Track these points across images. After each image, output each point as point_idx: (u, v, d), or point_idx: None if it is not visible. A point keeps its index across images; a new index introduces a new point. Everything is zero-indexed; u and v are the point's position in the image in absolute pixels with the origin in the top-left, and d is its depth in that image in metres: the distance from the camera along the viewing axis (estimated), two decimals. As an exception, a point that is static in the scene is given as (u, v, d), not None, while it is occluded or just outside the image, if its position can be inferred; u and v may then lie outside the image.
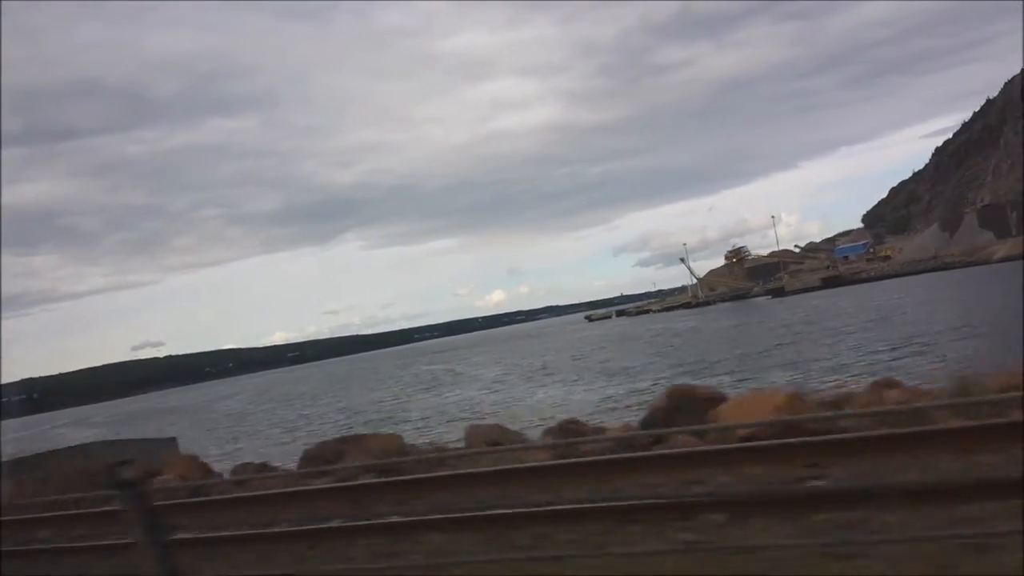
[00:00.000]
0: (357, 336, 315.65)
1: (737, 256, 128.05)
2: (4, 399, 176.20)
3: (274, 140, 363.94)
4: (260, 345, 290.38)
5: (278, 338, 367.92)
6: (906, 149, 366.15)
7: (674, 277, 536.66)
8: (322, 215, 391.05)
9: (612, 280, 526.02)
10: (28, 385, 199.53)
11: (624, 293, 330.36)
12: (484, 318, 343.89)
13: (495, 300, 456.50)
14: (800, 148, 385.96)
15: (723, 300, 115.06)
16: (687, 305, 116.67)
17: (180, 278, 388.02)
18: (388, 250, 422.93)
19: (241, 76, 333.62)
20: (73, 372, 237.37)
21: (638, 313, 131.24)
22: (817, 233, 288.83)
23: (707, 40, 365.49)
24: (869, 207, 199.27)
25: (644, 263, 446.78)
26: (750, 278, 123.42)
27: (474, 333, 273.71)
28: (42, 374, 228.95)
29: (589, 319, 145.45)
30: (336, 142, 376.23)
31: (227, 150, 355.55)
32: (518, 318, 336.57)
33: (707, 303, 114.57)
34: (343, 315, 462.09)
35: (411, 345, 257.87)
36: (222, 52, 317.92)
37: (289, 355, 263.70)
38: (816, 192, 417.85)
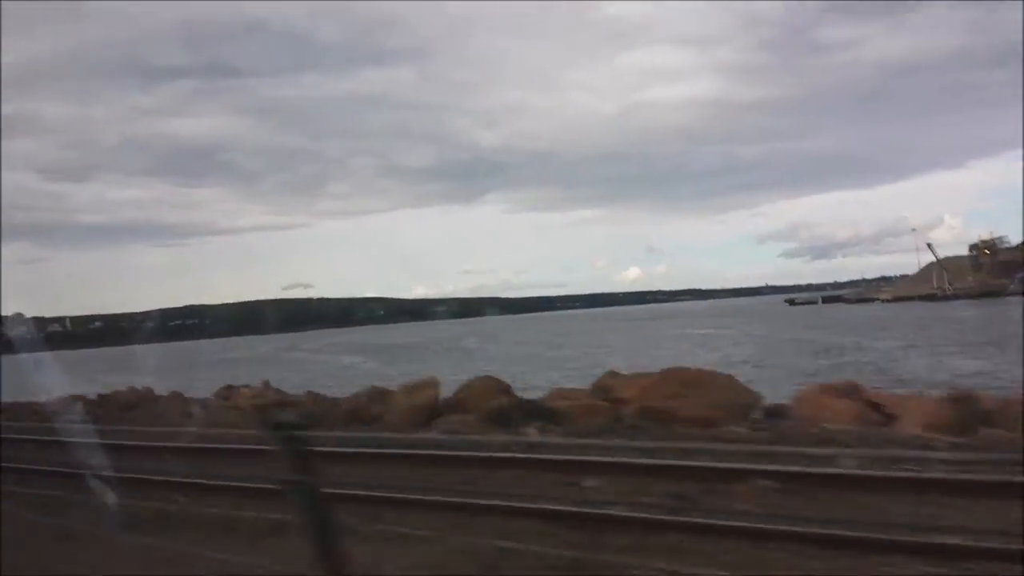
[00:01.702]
0: (496, 298, 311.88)
1: (991, 248, 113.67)
2: (177, 323, 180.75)
3: (427, 94, 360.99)
4: (403, 297, 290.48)
5: (418, 292, 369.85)
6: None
7: (825, 271, 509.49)
8: (468, 174, 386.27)
9: (754, 268, 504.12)
10: (189, 312, 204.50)
11: (769, 284, 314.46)
12: (625, 294, 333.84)
13: (631, 276, 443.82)
14: (969, 146, 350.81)
15: (969, 296, 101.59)
16: (930, 297, 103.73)
17: (332, 224, 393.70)
18: (527, 215, 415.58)
19: (399, 27, 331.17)
20: (231, 304, 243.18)
21: (859, 301, 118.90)
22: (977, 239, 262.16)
23: (878, 20, 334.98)
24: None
25: (790, 254, 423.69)
26: (997, 275, 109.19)
27: (615, 308, 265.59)
28: (207, 302, 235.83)
29: (792, 303, 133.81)
30: (485, 101, 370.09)
31: (382, 100, 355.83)
32: (660, 297, 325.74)
33: (954, 297, 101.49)
34: (479, 276, 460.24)
35: (560, 312, 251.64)
36: (382, 1, 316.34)
37: (435, 309, 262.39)
38: (982, 196, 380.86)
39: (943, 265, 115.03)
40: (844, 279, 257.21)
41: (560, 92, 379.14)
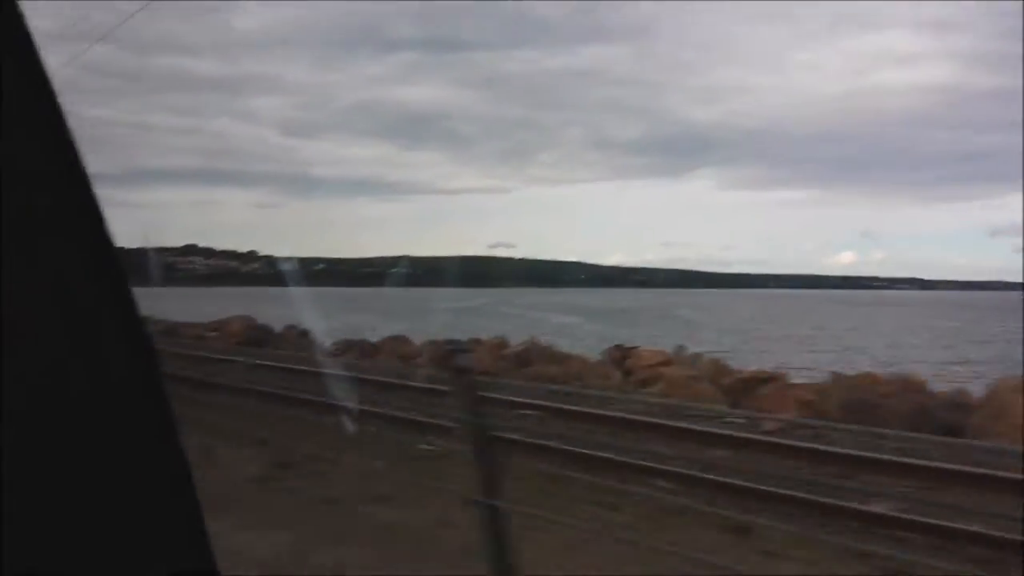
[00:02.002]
0: (695, 272, 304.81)
1: None
2: (393, 270, 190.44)
3: (643, 71, 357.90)
4: (600, 263, 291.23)
5: (614, 259, 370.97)
6: None
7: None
8: (678, 150, 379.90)
9: (983, 262, 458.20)
10: (409, 262, 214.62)
11: (1001, 279, 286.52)
12: (837, 278, 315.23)
13: (844, 261, 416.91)
14: None
15: None
16: None
17: (539, 190, 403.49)
18: (737, 193, 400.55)
19: (620, 6, 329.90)
20: (441, 257, 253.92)
21: None
22: None
23: None
24: None
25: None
26: None
27: (824, 291, 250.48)
28: (419, 254, 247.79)
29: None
30: (702, 79, 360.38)
31: (598, 76, 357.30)
32: (876, 284, 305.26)
33: None
34: (680, 249, 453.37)
35: (764, 290, 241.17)
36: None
37: (633, 278, 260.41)
38: None
39: None
40: None
41: (783, 72, 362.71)
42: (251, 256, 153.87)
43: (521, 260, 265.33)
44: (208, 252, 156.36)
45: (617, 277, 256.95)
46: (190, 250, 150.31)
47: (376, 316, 51.13)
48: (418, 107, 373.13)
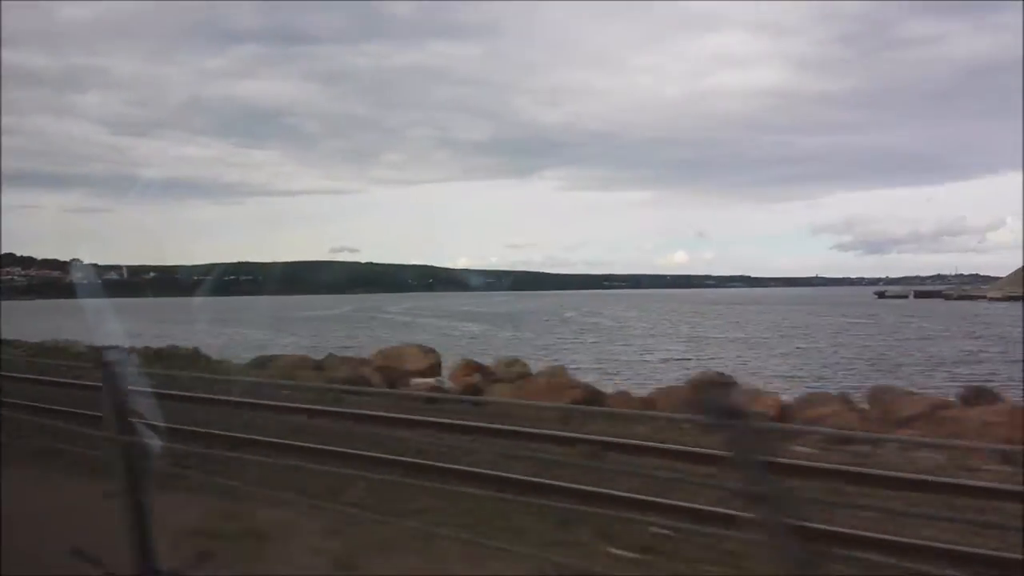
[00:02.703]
0: (541, 273, 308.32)
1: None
2: (231, 277, 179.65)
3: (491, 71, 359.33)
4: (447, 266, 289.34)
5: (461, 262, 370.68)
6: None
7: (877, 266, 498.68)
8: (524, 151, 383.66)
9: (803, 259, 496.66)
10: (244, 268, 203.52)
11: (820, 275, 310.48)
12: (672, 276, 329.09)
13: (677, 260, 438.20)
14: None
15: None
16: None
17: (384, 191, 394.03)
18: (581, 194, 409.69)
19: (470, 2, 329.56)
20: (283, 263, 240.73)
21: (960, 297, 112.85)
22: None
23: (961, 18, 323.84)
24: None
25: (843, 247, 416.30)
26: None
27: (662, 290, 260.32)
28: (257, 259, 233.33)
29: (881, 296, 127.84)
30: (549, 80, 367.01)
31: (446, 75, 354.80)
32: (708, 282, 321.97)
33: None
34: (525, 250, 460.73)
35: (611, 291, 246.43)
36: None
37: (482, 280, 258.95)
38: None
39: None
40: (896, 275, 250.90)
41: (625, 74, 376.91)
42: (74, 266, 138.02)
43: (366, 264, 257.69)
44: (27, 261, 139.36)
45: (465, 280, 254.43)
46: (7, 260, 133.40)
47: (253, 329, 44.90)
48: (257, 103, 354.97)
